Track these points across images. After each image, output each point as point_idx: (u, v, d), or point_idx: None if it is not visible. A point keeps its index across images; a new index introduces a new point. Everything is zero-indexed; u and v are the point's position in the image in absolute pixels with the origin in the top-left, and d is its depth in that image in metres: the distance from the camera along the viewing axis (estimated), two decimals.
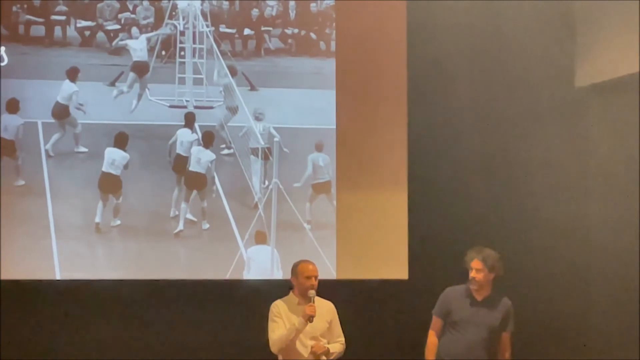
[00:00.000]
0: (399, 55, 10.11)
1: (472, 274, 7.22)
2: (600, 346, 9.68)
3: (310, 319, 6.65)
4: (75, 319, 9.32)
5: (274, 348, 6.80)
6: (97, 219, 9.60)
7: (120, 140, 9.71)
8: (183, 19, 10.12)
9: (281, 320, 6.77)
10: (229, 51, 10.14)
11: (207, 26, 10.11)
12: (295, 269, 6.90)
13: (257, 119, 9.99)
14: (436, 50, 9.99)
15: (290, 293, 6.92)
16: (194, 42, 10.15)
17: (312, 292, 6.71)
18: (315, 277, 6.79)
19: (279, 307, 6.84)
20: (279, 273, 9.64)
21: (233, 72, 10.06)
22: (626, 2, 9.31)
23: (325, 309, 6.92)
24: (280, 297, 6.98)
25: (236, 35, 10.23)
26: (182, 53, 10.13)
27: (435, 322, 7.43)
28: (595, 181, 10.05)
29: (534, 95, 10.16)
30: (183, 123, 9.90)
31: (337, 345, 6.98)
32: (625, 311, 9.39)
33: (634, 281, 9.26)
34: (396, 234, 9.89)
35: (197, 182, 9.83)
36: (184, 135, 9.89)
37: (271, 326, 6.80)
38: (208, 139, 9.89)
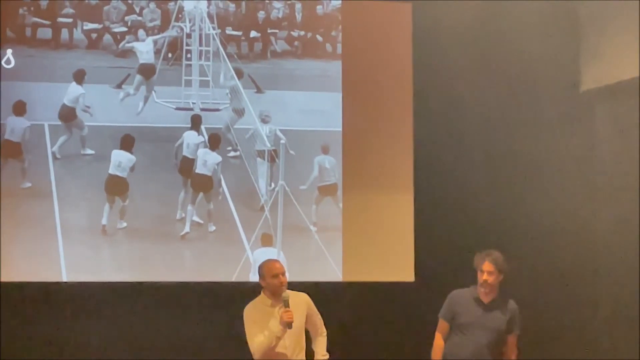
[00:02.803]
0: (404, 57, 10.13)
1: (483, 276, 7.18)
2: (606, 347, 9.68)
3: (289, 325, 6.41)
4: (82, 321, 9.33)
5: (255, 355, 6.56)
6: (104, 221, 9.62)
7: (127, 143, 9.73)
8: (189, 21, 10.14)
9: (257, 325, 6.50)
10: (235, 53, 10.15)
11: (214, 28, 10.12)
12: (261, 270, 6.64)
13: (264, 121, 10.01)
14: (441, 53, 10.00)
15: (262, 293, 6.67)
16: (200, 45, 10.17)
17: (285, 295, 6.47)
18: (283, 273, 6.54)
19: (252, 312, 6.62)
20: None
21: (239, 74, 10.07)
22: (631, 5, 9.31)
23: (300, 304, 6.66)
24: None
25: (242, 38, 10.24)
26: (189, 55, 10.15)
27: (442, 324, 7.41)
28: (600, 184, 10.05)
29: (540, 98, 10.16)
30: (189, 125, 9.92)
31: (323, 341, 6.79)
32: (631, 312, 9.39)
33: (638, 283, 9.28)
34: (402, 236, 9.90)
35: (203, 185, 9.84)
36: (190, 138, 9.90)
37: (249, 332, 6.57)
38: (214, 141, 9.90)
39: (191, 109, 10.02)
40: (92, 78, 9.81)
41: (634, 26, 9.30)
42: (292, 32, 10.32)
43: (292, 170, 9.96)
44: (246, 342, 9.15)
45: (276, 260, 6.78)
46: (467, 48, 10.04)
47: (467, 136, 10.12)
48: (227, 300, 9.53)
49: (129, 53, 10.01)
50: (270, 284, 6.54)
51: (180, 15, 10.12)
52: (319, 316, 6.83)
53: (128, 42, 10.02)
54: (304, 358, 6.74)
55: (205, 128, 9.98)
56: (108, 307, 9.36)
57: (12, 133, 9.59)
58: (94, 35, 9.97)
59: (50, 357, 9.17)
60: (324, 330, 6.84)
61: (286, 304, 6.42)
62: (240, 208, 9.89)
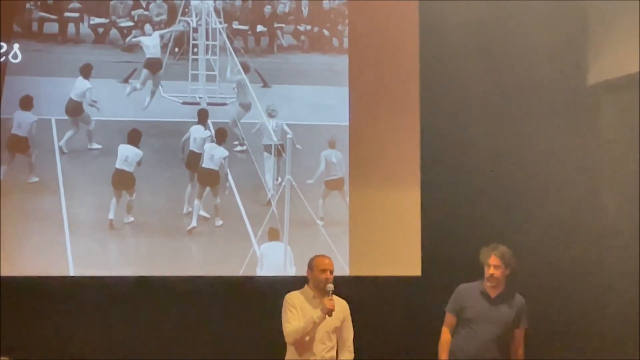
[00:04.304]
0: (411, 52, 10.11)
1: (490, 270, 7.20)
2: (609, 345, 9.65)
3: (329, 313, 6.67)
4: (89, 315, 9.34)
5: (289, 339, 6.78)
6: (111, 216, 9.62)
7: (134, 137, 9.74)
8: (196, 16, 10.15)
9: (296, 311, 6.77)
10: (241, 48, 10.15)
11: (220, 23, 10.12)
12: (311, 262, 6.92)
13: (270, 115, 10.01)
14: (448, 48, 9.98)
15: (306, 286, 6.93)
16: (207, 39, 10.18)
17: (330, 286, 6.74)
18: (331, 271, 6.82)
19: (294, 298, 6.85)
20: (292, 269, 9.65)
21: (246, 68, 10.08)
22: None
23: (338, 307, 6.89)
24: None
25: (249, 32, 10.25)
26: (195, 50, 10.16)
27: (449, 319, 7.42)
28: (607, 178, 10.03)
29: (546, 93, 10.14)
30: (196, 120, 9.92)
31: (348, 357, 6.96)
32: (634, 310, 9.39)
33: None
34: (409, 230, 9.90)
35: (210, 179, 9.84)
36: (197, 132, 9.91)
37: (286, 316, 6.80)
38: (221, 136, 9.90)
39: (198, 104, 10.02)
40: (99, 72, 9.82)
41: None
42: (298, 27, 10.32)
43: (299, 165, 9.96)
44: (251, 337, 9.26)
45: (327, 257, 6.96)
46: (473, 43, 10.01)
47: (474, 130, 10.09)
48: (234, 295, 9.57)
49: (136, 47, 10.02)
50: (317, 277, 6.83)
51: (186, 10, 10.13)
52: (352, 329, 7.03)
53: (135, 37, 10.03)
54: (334, 357, 6.91)
55: (212, 122, 9.98)
56: (115, 301, 9.36)
57: (19, 127, 9.61)
58: (100, 30, 9.99)
59: (56, 351, 9.18)
60: (352, 347, 7.00)
61: (329, 295, 6.73)
62: (247, 202, 9.89)
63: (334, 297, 6.81)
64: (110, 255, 9.65)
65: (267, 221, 9.80)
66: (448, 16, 9.91)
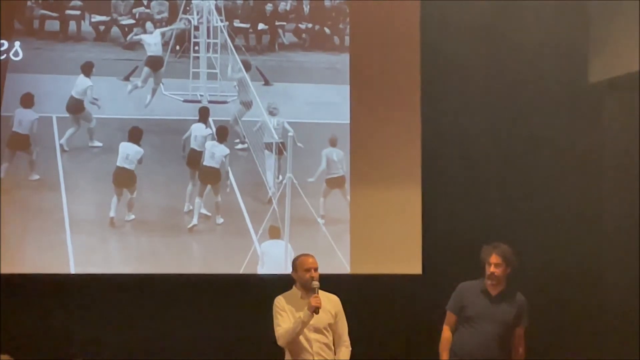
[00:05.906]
0: (412, 50, 10.10)
1: (491, 269, 7.21)
2: (613, 345, 9.66)
3: (315, 310, 6.66)
4: (90, 312, 9.34)
5: (280, 341, 6.82)
6: (112, 214, 9.62)
7: (135, 135, 9.73)
8: (197, 14, 10.14)
9: (286, 314, 6.80)
10: (243, 46, 10.14)
11: (221, 21, 10.12)
12: (294, 263, 6.94)
13: (271, 113, 10.00)
14: (449, 46, 9.98)
15: (293, 288, 6.95)
16: (208, 37, 10.17)
17: (315, 284, 6.74)
18: (315, 269, 6.81)
19: (282, 302, 6.87)
20: None
21: (247, 66, 10.07)
22: None
23: (330, 303, 6.92)
24: None
25: (250, 30, 10.24)
26: (196, 48, 10.16)
27: (450, 317, 7.43)
28: (609, 176, 10.03)
29: (548, 91, 10.15)
30: (197, 118, 9.91)
31: (346, 353, 6.95)
32: (634, 309, 9.39)
33: None
34: (410, 228, 9.89)
35: (211, 177, 9.84)
36: (198, 130, 9.90)
37: (277, 320, 6.83)
38: (222, 134, 9.90)
39: (199, 102, 10.02)
40: (100, 70, 9.81)
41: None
42: (299, 25, 10.31)
43: (300, 163, 9.95)
44: (251, 336, 9.26)
45: (310, 255, 6.94)
46: (474, 41, 10.02)
47: (475, 129, 10.10)
48: (235, 293, 9.57)
49: (137, 45, 10.01)
50: (302, 277, 6.83)
51: (188, 8, 10.12)
52: (345, 323, 7.02)
53: (136, 35, 10.02)
54: (332, 356, 6.90)
55: (213, 120, 9.98)
56: (116, 300, 9.37)
57: (20, 125, 9.61)
58: (101, 28, 9.98)
59: (56, 348, 9.19)
60: (348, 341, 6.99)
61: (315, 292, 6.71)
62: (248, 200, 9.89)
63: (323, 293, 6.82)
64: (111, 253, 9.65)
65: (268, 219, 9.80)
66: (449, 14, 9.91)
